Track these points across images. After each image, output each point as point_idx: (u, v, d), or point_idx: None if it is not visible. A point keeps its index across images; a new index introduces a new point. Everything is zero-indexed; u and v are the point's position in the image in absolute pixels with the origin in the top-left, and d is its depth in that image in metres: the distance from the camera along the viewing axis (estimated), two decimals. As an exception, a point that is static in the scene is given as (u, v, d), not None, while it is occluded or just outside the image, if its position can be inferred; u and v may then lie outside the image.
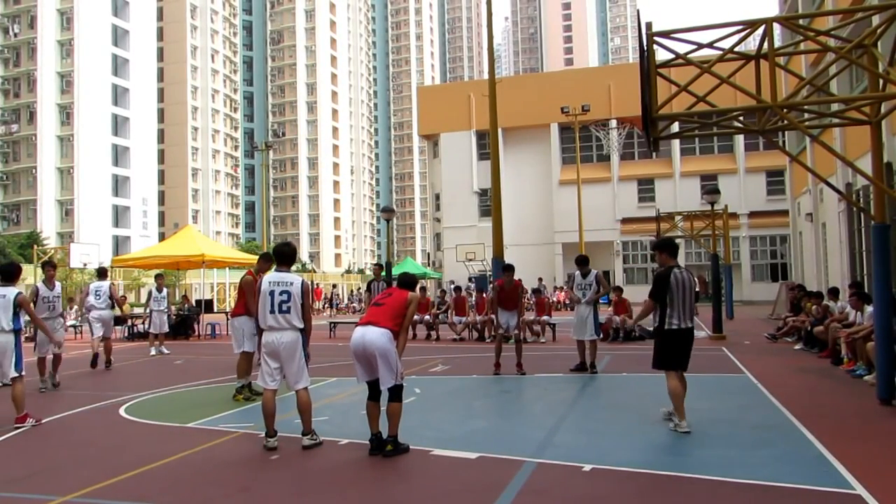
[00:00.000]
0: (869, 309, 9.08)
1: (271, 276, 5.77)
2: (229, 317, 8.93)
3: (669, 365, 6.07)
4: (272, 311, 5.62)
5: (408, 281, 5.91)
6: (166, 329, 15.13)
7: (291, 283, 5.67)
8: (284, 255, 5.86)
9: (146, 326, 15.66)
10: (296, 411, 5.76)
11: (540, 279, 30.49)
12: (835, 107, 8.57)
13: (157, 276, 15.76)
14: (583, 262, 10.22)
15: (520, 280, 10.69)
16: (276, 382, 5.70)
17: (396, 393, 5.40)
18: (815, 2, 20.16)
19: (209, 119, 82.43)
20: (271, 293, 5.65)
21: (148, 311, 15.16)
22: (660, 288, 5.98)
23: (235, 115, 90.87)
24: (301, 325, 5.66)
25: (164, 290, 15.13)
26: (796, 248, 26.92)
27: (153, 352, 14.54)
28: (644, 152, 41.42)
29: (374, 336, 5.33)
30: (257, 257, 9.18)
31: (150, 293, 15.48)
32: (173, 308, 22.02)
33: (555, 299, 31.17)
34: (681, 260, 44.63)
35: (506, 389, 8.82)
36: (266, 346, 5.69)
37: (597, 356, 10.17)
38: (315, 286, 41.22)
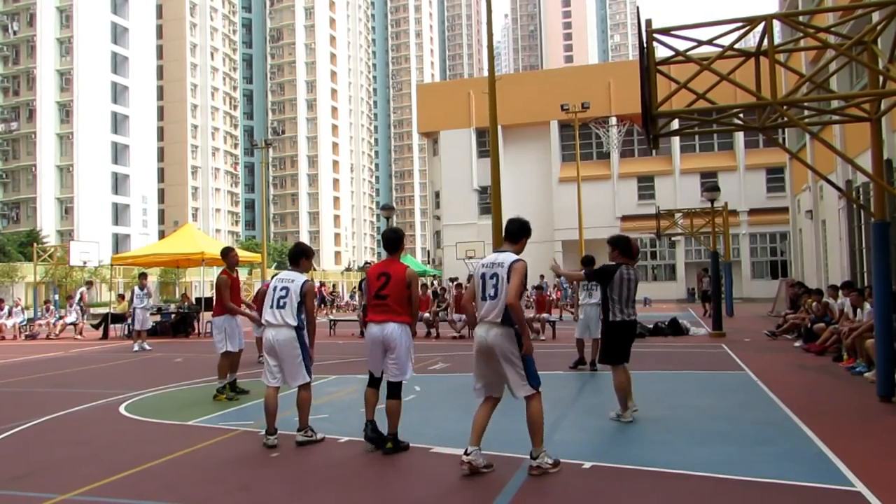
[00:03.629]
0: (868, 306, 9.08)
1: (281, 275, 5.94)
2: (212, 316, 8.87)
3: (616, 359, 6.24)
4: (271, 307, 5.75)
5: (393, 239, 5.62)
6: (149, 326, 15.92)
7: (292, 281, 5.75)
8: (290, 255, 6.06)
9: (131, 324, 16.70)
10: (297, 409, 5.78)
11: (542, 276, 30.41)
12: (835, 104, 8.56)
13: (141, 276, 16.82)
14: (589, 263, 10.21)
15: None
16: (277, 380, 5.73)
17: (396, 390, 5.40)
18: (815, -2, 20.13)
19: (209, 117, 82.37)
20: (274, 289, 5.81)
21: (132, 308, 16.12)
22: (602, 277, 6.40)
23: (235, 112, 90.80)
24: (294, 323, 5.66)
25: (147, 288, 16.16)
26: (796, 245, 26.92)
27: (136, 348, 15.11)
28: (644, 149, 41.38)
29: (394, 333, 5.34)
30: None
31: (133, 292, 16.48)
32: (172, 306, 22.09)
33: (554, 297, 31.11)
34: (680, 257, 44.27)
35: (506, 387, 8.80)
36: (265, 343, 5.81)
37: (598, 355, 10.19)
38: (321, 284, 41.22)
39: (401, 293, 5.38)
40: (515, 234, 4.92)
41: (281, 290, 5.72)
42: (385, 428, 5.44)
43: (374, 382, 5.54)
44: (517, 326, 4.62)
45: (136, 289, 15.99)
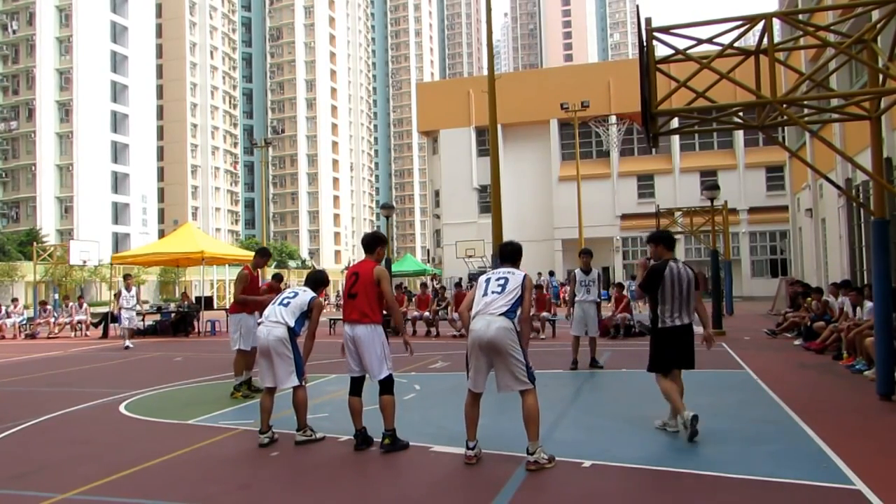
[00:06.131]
0: (868, 304, 9.08)
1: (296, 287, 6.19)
2: (228, 313, 8.92)
3: (659, 367, 5.77)
4: (276, 304, 5.91)
5: (367, 242, 5.68)
6: (135, 324, 16.23)
7: (305, 291, 6.01)
8: (312, 280, 6.30)
9: (119, 324, 17.07)
10: (294, 410, 5.81)
11: (539, 274, 30.42)
12: (834, 102, 8.55)
13: (126, 276, 17.24)
14: (588, 253, 10.31)
15: None
16: (271, 381, 5.76)
17: (387, 385, 5.40)
18: (814, -3, 20.10)
19: (208, 116, 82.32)
20: (286, 291, 6.11)
21: (119, 310, 16.46)
22: (652, 280, 5.68)
23: (234, 111, 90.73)
24: (291, 323, 5.76)
25: (133, 289, 16.52)
26: (796, 243, 26.92)
27: (128, 344, 15.52)
28: (643, 148, 41.40)
29: (363, 334, 5.37)
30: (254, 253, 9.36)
31: (119, 292, 16.86)
32: (172, 305, 22.08)
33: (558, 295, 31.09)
34: (679, 256, 44.87)
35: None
36: (259, 342, 5.80)
37: (597, 352, 10.20)
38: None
39: (370, 291, 5.43)
40: (518, 253, 5.28)
41: (292, 294, 5.95)
42: (378, 433, 5.43)
43: (355, 390, 5.51)
44: (518, 326, 4.82)
45: (123, 290, 16.30)
